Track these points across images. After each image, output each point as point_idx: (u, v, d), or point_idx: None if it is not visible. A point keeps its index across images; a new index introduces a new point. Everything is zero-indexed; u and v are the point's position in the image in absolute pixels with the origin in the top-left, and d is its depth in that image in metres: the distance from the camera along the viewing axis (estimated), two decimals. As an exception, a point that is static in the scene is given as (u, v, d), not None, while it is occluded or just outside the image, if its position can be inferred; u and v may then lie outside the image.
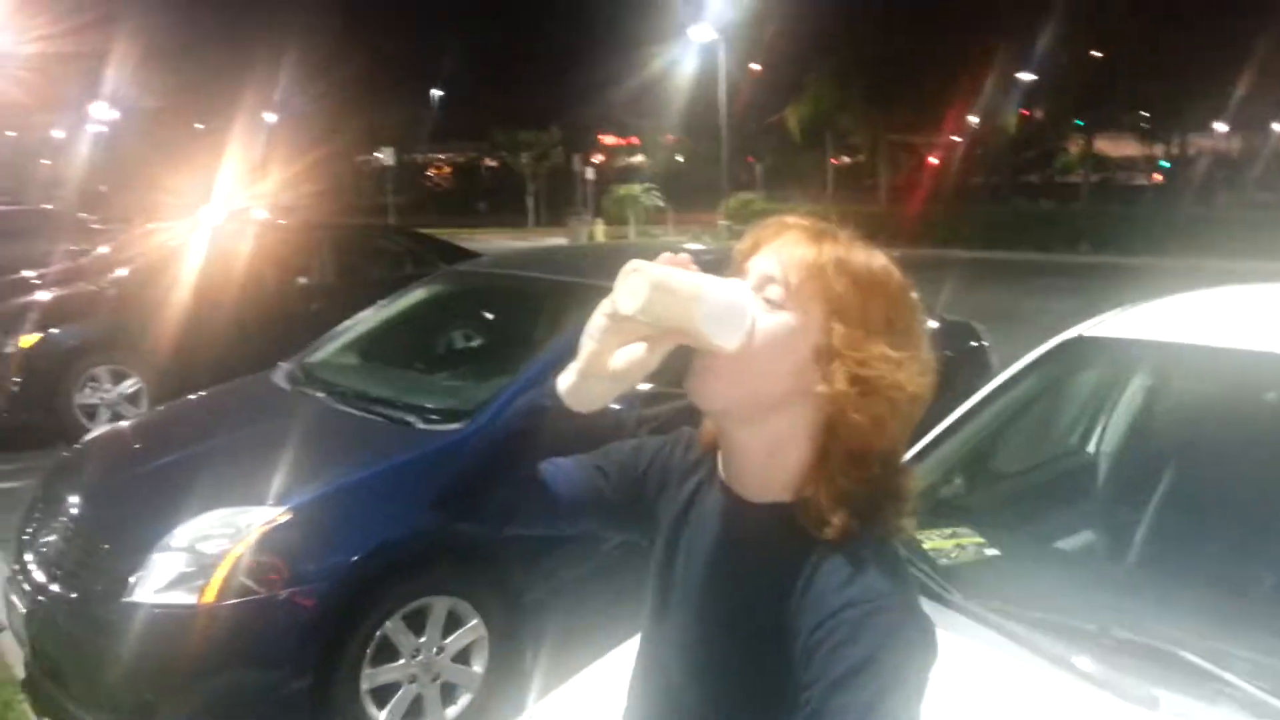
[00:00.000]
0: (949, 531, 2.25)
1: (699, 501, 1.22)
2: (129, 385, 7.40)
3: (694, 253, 1.14)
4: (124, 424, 4.66)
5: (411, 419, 3.60)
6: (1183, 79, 33.42)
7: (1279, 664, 1.68)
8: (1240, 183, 37.96)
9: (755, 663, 1.08)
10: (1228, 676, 1.62)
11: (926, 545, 2.16)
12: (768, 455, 1.11)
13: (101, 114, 38.75)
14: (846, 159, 49.09)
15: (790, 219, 1.14)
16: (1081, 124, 41.10)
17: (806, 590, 1.05)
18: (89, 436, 4.35)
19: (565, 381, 1.14)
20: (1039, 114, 40.41)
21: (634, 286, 1.03)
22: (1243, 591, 2.12)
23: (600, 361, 1.10)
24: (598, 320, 1.10)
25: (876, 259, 1.11)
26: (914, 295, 1.12)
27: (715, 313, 1.05)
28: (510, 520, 1.31)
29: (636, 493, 1.30)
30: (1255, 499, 2.33)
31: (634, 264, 1.05)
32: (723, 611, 1.14)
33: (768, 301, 1.08)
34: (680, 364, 1.11)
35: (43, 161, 42.46)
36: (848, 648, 0.99)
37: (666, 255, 1.09)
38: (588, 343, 1.11)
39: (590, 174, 37.37)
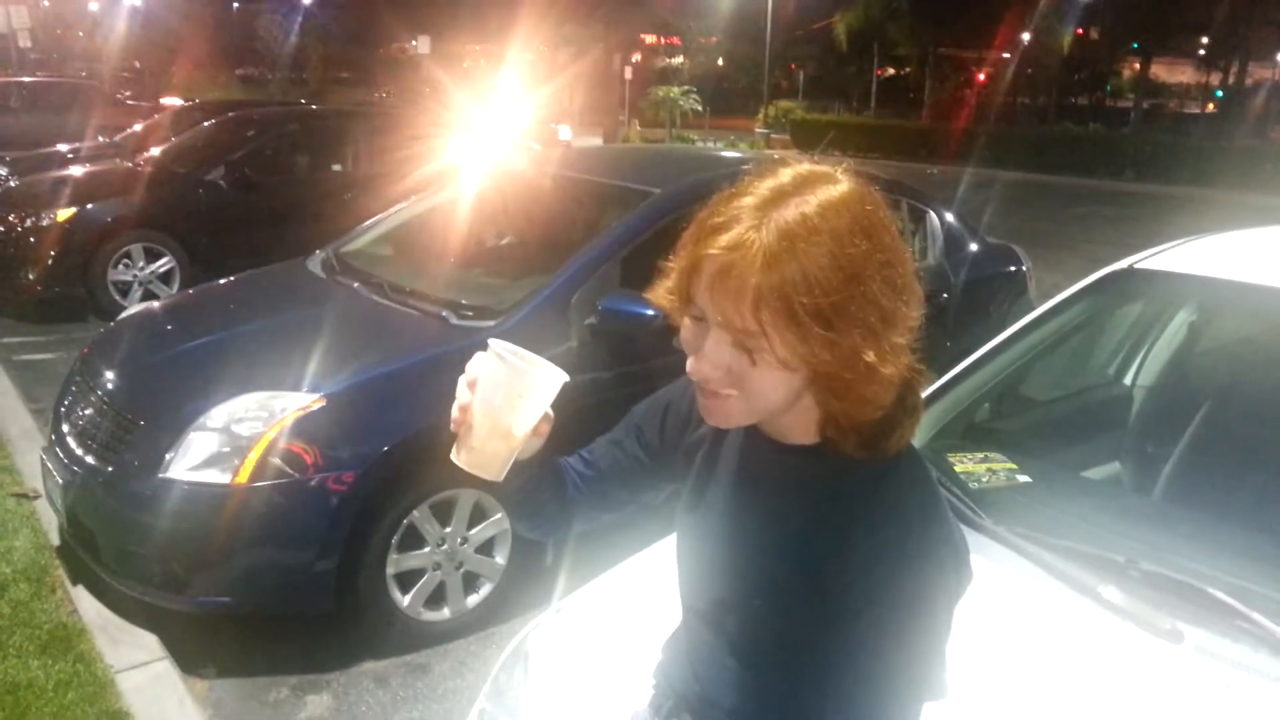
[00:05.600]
0: (980, 455, 2.25)
1: (725, 436, 1.25)
2: (162, 264, 7.44)
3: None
4: (160, 303, 4.69)
5: (446, 314, 3.60)
6: (1246, 4, 32.20)
7: (1305, 605, 1.69)
8: (1298, 117, 36.80)
9: (797, 572, 1.09)
10: (1253, 615, 1.62)
11: (958, 469, 2.16)
12: (786, 427, 1.12)
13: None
14: (891, 71, 47.87)
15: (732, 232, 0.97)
16: (1137, 47, 39.82)
17: (839, 517, 1.07)
18: (125, 314, 4.38)
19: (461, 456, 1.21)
20: (1094, 34, 39.14)
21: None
22: (1269, 531, 2.11)
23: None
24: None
25: (845, 227, 0.96)
26: (898, 242, 1.01)
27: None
28: (571, 525, 1.41)
29: (662, 442, 1.34)
30: (1290, 441, 2.31)
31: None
32: (759, 529, 1.16)
33: (749, 351, 1.00)
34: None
35: (78, 34, 42.10)
36: (885, 569, 1.01)
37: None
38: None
39: (628, 74, 36.63)
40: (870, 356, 0.97)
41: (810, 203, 0.96)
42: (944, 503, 1.09)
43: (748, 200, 0.98)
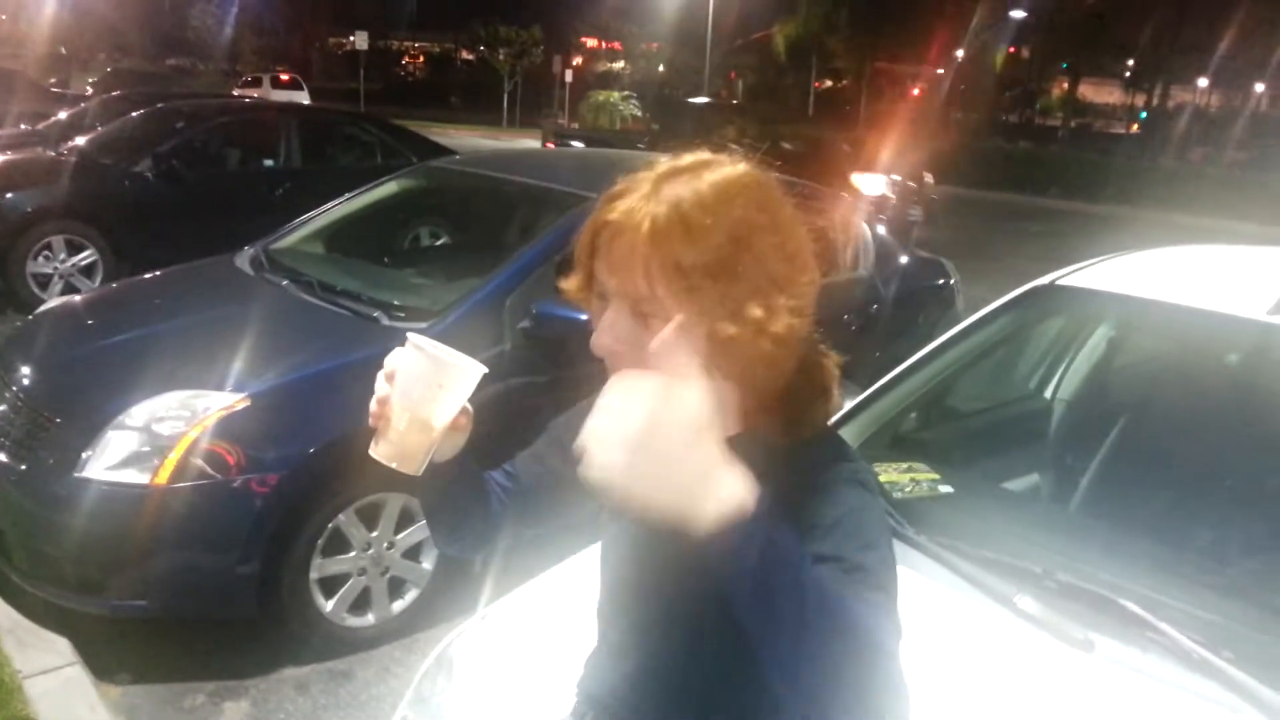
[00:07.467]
0: (905, 465, 2.29)
1: None
2: (84, 256, 7.22)
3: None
4: (81, 297, 4.57)
5: (377, 314, 3.56)
6: (1170, 30, 33.29)
7: (1211, 617, 1.74)
8: (1217, 139, 38.07)
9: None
10: (1162, 626, 1.67)
11: (883, 478, 2.20)
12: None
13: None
14: (829, 83, 48.54)
15: (624, 203, 1.02)
16: (1066, 67, 40.93)
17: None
18: (44, 307, 4.25)
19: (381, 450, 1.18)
20: (1026, 53, 40.14)
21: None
22: (1180, 545, 2.18)
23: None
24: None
25: (734, 196, 1.01)
26: (790, 216, 1.06)
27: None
28: (493, 541, 1.37)
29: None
30: (1202, 458, 2.38)
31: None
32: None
33: (644, 317, 1.02)
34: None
35: (1, 16, 40.81)
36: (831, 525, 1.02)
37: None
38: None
39: (569, 77, 36.63)
40: (757, 311, 0.99)
41: (703, 178, 1.02)
42: (870, 473, 1.10)
43: (645, 175, 1.05)
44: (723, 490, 0.81)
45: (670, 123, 16.28)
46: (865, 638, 0.88)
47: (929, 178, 14.65)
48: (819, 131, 15.17)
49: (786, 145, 13.34)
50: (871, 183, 12.54)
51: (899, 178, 13.04)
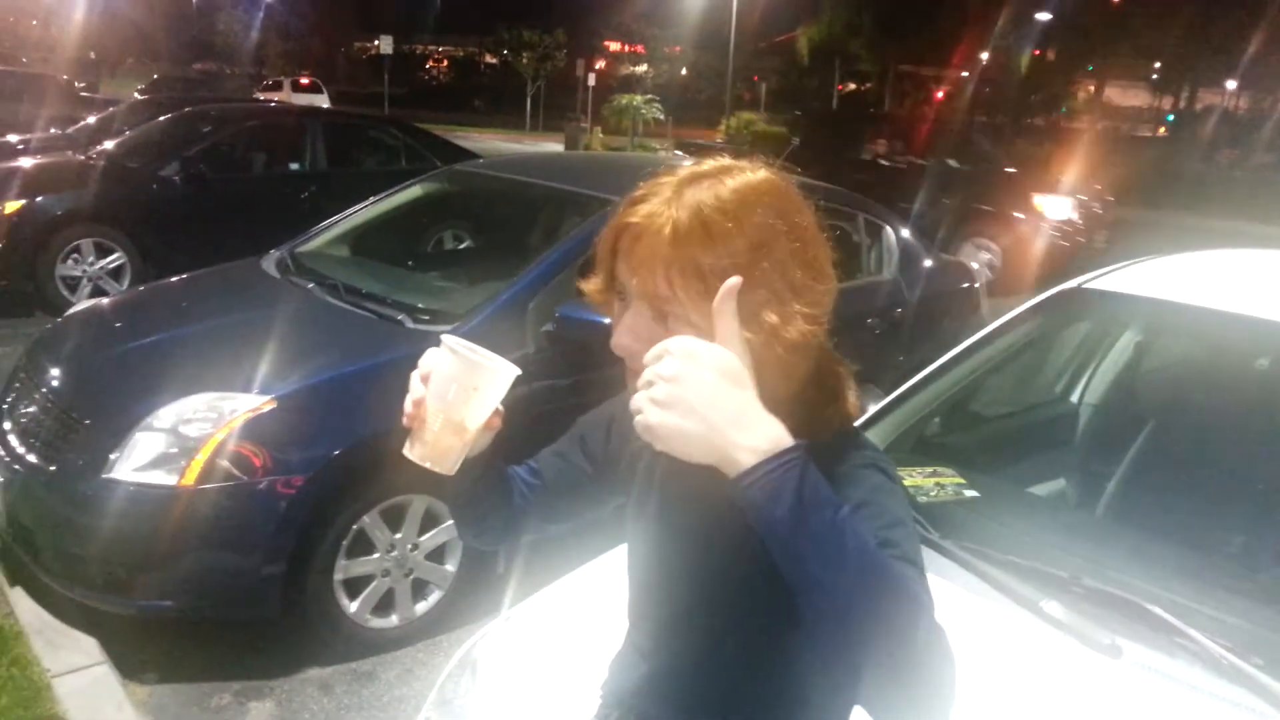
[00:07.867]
0: (929, 470, 2.28)
1: None
2: (113, 259, 7.31)
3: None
4: (109, 300, 4.61)
5: (402, 317, 3.57)
6: (1197, 31, 33.00)
7: (1240, 622, 1.73)
8: (1245, 142, 37.65)
9: (752, 567, 1.06)
10: (1190, 631, 1.66)
11: (907, 482, 2.18)
12: None
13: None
14: (852, 86, 48.42)
15: (647, 207, 1.04)
16: (1092, 69, 40.65)
17: None
18: (73, 310, 4.30)
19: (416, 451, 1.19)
20: (1051, 55, 39.89)
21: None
22: (1209, 551, 2.16)
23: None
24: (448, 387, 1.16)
25: (755, 203, 1.02)
26: (810, 225, 1.07)
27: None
28: (516, 535, 1.39)
29: (605, 453, 1.35)
30: (1231, 462, 2.35)
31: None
32: (707, 519, 1.14)
33: (665, 318, 1.04)
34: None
35: (32, 22, 41.35)
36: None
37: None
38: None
39: (591, 80, 36.71)
40: (772, 318, 1.00)
41: (725, 184, 1.03)
42: (889, 462, 1.09)
43: (667, 179, 1.06)
44: (758, 426, 0.89)
45: (812, 136, 14.87)
46: (908, 597, 0.89)
47: (1110, 199, 13.82)
48: (986, 147, 13.25)
49: (952, 163, 11.90)
50: (1056, 205, 11.27)
51: (1085, 198, 11.77)
